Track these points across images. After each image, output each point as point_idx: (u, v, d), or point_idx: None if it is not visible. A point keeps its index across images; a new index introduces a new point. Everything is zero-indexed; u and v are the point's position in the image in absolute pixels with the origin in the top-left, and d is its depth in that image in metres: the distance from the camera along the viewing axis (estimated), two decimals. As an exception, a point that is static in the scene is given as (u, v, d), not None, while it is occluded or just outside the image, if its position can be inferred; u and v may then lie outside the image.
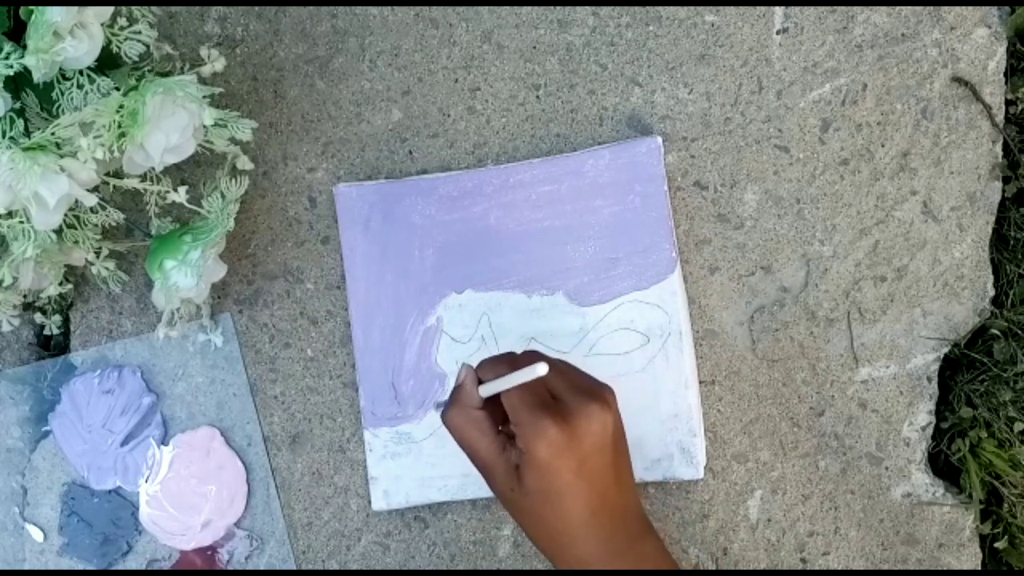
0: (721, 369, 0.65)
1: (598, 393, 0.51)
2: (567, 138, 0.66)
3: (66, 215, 0.53)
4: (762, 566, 0.65)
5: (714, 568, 0.65)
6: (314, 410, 0.66)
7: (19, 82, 0.51)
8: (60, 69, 0.50)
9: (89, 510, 0.66)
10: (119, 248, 0.64)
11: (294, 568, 0.66)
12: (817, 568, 0.65)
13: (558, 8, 0.66)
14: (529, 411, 0.49)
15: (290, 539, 0.66)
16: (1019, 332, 0.67)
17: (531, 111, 0.66)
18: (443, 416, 0.53)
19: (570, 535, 0.50)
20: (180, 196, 0.55)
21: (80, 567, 0.66)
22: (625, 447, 0.53)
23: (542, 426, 0.48)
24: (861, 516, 0.65)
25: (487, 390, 0.52)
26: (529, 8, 0.66)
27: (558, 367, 0.52)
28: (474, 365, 0.54)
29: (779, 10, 0.65)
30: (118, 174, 0.55)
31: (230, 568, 0.66)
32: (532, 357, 0.51)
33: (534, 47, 0.66)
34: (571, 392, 0.50)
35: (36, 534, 0.66)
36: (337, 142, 0.67)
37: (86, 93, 0.51)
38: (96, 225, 0.59)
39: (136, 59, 0.55)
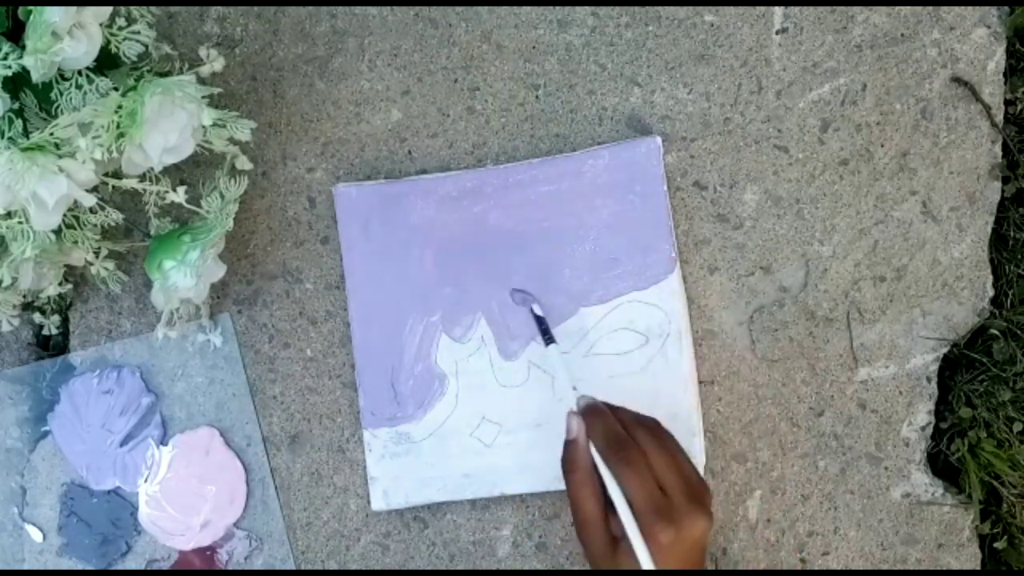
0: (720, 369, 0.65)
1: (703, 498, 0.54)
2: (567, 138, 0.66)
3: (65, 215, 0.53)
4: (762, 566, 0.65)
5: (713, 568, 0.65)
6: (313, 410, 0.66)
7: (18, 82, 0.51)
8: (59, 69, 0.50)
9: (88, 510, 0.66)
10: (118, 248, 0.64)
11: (293, 568, 0.66)
12: (817, 568, 0.65)
13: (558, 8, 0.66)
14: (644, 513, 0.52)
15: (289, 539, 0.66)
16: (1018, 332, 0.67)
17: (531, 111, 0.66)
18: (562, 465, 0.57)
19: None
20: (179, 196, 0.55)
21: (79, 567, 0.66)
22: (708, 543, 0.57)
23: (655, 530, 0.52)
24: (860, 516, 0.65)
25: (600, 467, 0.55)
26: (529, 8, 0.66)
27: (673, 454, 0.55)
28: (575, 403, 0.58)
29: (779, 10, 0.65)
30: (117, 174, 0.55)
31: (229, 568, 0.66)
32: (653, 424, 0.56)
33: (534, 47, 0.66)
34: (682, 495, 0.53)
35: (35, 534, 0.66)
36: (336, 142, 0.67)
37: (85, 93, 0.51)
38: (95, 225, 0.59)
39: (135, 59, 0.54)
